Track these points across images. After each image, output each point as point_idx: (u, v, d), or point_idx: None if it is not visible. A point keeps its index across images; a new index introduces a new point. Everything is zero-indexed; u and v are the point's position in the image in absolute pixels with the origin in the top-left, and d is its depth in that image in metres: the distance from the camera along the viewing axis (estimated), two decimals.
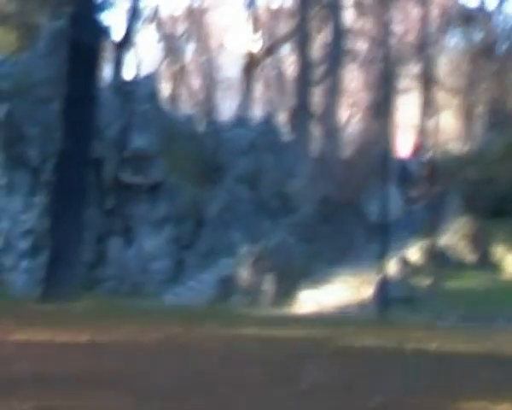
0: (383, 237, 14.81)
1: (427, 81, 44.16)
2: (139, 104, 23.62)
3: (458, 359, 9.39)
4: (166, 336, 10.68)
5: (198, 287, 22.07)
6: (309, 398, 6.90)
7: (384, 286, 14.62)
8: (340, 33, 31.66)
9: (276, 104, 46.69)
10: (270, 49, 40.11)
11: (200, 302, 20.50)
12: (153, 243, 23.28)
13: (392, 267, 19.02)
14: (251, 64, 39.35)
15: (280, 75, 51.01)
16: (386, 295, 14.72)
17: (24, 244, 22.87)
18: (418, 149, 30.05)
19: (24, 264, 22.60)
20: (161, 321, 12.73)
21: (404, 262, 18.83)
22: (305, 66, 31.44)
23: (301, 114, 32.52)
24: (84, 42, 15.13)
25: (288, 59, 50.26)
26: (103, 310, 14.93)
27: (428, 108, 45.16)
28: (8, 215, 23.11)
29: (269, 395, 6.96)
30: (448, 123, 53.36)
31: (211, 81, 51.62)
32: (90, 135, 16.19)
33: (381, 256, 14.90)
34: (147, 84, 24.44)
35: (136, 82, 25.04)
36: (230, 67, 51.46)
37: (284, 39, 39.88)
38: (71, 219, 15.60)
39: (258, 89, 49.44)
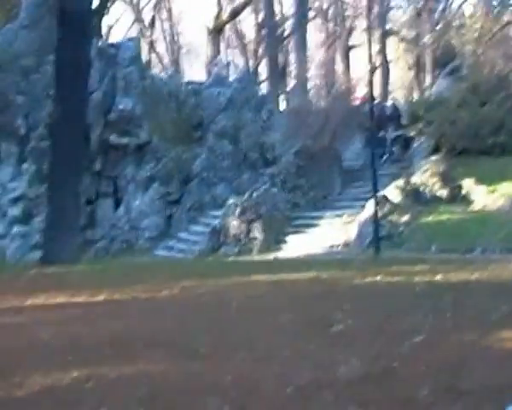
0: (374, 179, 14.16)
1: (380, 35, 43.76)
2: (122, 67, 22.70)
3: (469, 289, 8.87)
4: (183, 290, 9.99)
5: (188, 239, 21.48)
6: (347, 341, 6.31)
7: (376, 225, 14.02)
8: None
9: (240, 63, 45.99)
10: (235, 12, 39.13)
11: (192, 254, 19.92)
12: (141, 201, 22.55)
13: (372, 207, 18.55)
14: (217, 27, 38.37)
15: (241, 36, 50.22)
16: (377, 233, 14.14)
17: (14, 211, 22.01)
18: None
19: (15, 230, 21.77)
20: (170, 275, 12.02)
21: (385, 201, 18.30)
22: (272, 24, 30.67)
23: (271, 69, 31.83)
24: (73, 8, 14.16)
25: (249, 21, 49.55)
26: (106, 269, 14.18)
27: (381, 59, 44.84)
28: None
29: (308, 341, 6.37)
30: (399, 73, 53.21)
31: (176, 46, 50.70)
32: (84, 101, 15.29)
33: (372, 196, 14.28)
34: (129, 47, 23.47)
35: (118, 46, 24.03)
36: (196, 31, 50.62)
37: (247, 2, 38.89)
38: (68, 185, 14.79)
39: (223, 50, 48.63)
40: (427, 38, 44.93)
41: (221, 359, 5.91)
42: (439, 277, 9.94)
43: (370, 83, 14.72)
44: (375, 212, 14.07)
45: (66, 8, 14.33)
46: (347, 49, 48.10)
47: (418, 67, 48.58)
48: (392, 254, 14.95)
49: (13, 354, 6.27)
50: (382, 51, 46.02)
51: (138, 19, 46.02)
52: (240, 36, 50.73)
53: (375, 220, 13.99)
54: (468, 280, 9.56)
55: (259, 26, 48.84)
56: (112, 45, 24.19)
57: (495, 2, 45.69)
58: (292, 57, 46.00)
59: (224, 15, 38.12)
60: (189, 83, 26.50)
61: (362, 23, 48.24)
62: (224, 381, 5.23)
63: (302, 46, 30.15)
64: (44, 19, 19.45)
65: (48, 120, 20.37)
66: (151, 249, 21.66)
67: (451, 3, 47.46)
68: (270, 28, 32.03)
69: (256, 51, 50.65)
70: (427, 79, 46.13)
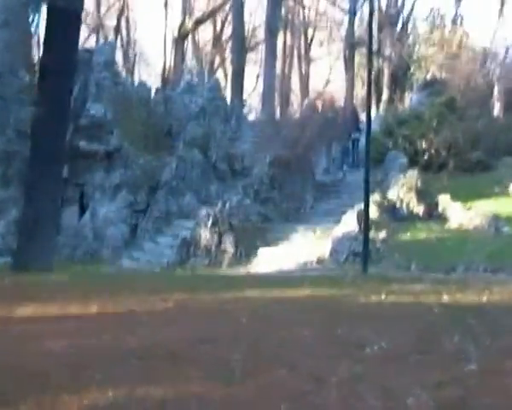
0: (366, 189, 13.77)
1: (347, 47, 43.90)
2: (96, 72, 22.01)
3: (490, 312, 8.51)
4: (177, 303, 9.46)
5: (154, 250, 20.90)
6: (393, 365, 5.90)
7: (366, 241, 13.62)
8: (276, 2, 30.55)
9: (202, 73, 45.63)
10: (199, 21, 38.73)
11: (160, 266, 19.36)
12: (108, 209, 21.84)
13: (350, 222, 18.30)
14: (181, 36, 37.88)
15: (198, 47, 49.91)
16: (367, 249, 13.74)
17: None
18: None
19: None
20: (155, 287, 11.45)
21: (362, 216, 17.97)
22: (240, 33, 30.34)
23: (235, 80, 31.49)
24: (62, 7, 13.53)
25: (206, 33, 49.26)
26: (84, 279, 13.52)
27: (347, 71, 44.93)
28: None
29: (350, 362, 5.96)
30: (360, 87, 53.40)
31: (133, 54, 50.16)
32: (67, 102, 14.61)
33: (364, 208, 13.90)
34: (104, 52, 22.77)
35: (92, 50, 23.32)
36: (147, 40, 50.42)
37: (214, 11, 38.48)
38: (47, 189, 14.09)
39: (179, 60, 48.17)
40: (387, 52, 45.31)
41: (263, 382, 5.46)
42: (445, 297, 9.62)
43: (368, 90, 14.33)
44: (366, 226, 13.69)
45: (56, 6, 13.70)
46: (307, 61, 48.18)
47: (378, 81, 48.81)
48: (374, 272, 14.61)
49: (32, 368, 5.70)
50: (349, 63, 45.98)
51: (101, 26, 45.28)
52: (197, 47, 50.53)
53: (365, 235, 13.61)
54: (480, 302, 9.25)
55: (217, 38, 48.70)
56: (86, 50, 23.43)
57: (448, 23, 46.59)
58: (248, 69, 45.94)
59: (189, 24, 37.59)
60: (159, 90, 25.94)
61: (322, 35, 48.47)
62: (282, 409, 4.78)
63: (271, 55, 29.85)
64: (19, 21, 18.68)
65: (16, 124, 19.69)
66: (116, 259, 20.99)
67: (408, 21, 48.14)
68: (237, 38, 31.70)
69: (212, 62, 50.49)
70: (385, 94, 46.49)
